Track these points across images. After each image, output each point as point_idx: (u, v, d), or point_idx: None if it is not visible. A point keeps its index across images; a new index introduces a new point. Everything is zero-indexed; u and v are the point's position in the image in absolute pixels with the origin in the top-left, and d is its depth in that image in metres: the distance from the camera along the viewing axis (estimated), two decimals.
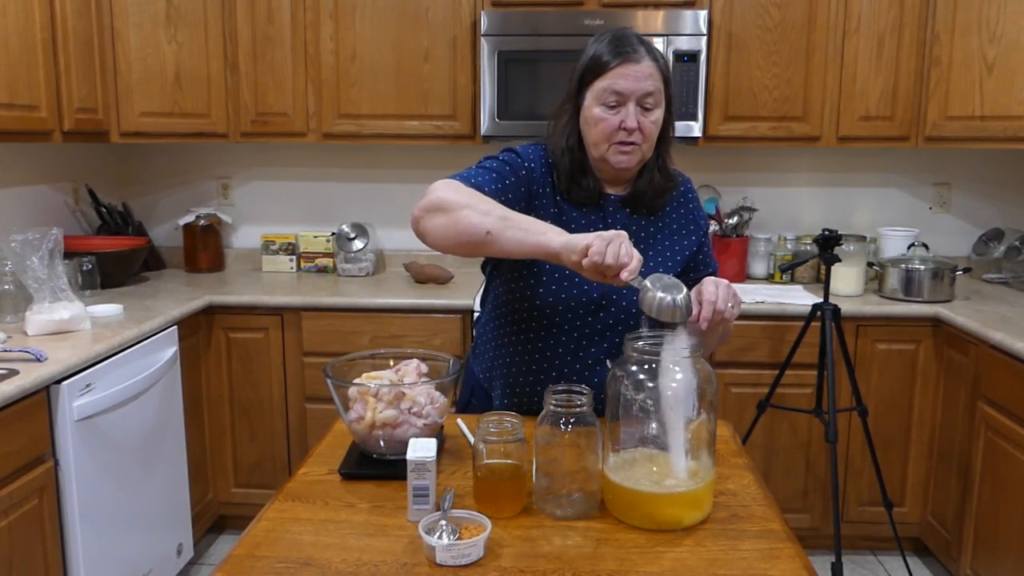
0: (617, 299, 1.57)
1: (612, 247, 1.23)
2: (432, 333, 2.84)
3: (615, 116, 1.51)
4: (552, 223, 1.51)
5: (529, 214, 1.44)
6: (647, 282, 1.28)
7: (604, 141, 1.53)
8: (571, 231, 1.53)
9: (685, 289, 1.30)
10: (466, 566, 1.09)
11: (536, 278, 1.57)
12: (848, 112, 2.95)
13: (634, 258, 1.23)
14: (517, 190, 1.53)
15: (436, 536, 1.11)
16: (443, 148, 3.39)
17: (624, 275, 1.23)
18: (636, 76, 1.49)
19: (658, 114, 1.53)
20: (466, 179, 1.46)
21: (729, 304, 1.38)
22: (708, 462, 1.24)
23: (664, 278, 1.30)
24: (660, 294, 1.26)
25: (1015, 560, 2.27)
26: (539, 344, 1.60)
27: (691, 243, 1.66)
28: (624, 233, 1.27)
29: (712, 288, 1.38)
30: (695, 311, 1.37)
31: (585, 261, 1.24)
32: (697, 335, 1.32)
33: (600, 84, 1.51)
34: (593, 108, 1.53)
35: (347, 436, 1.52)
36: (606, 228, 1.57)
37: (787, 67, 2.93)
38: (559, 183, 1.59)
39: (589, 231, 1.53)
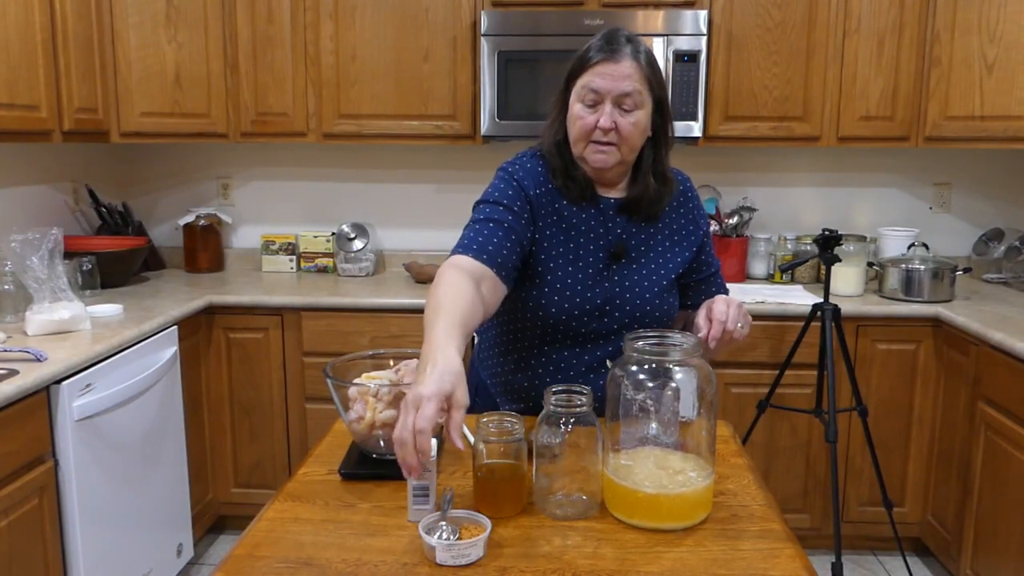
0: (620, 303, 1.57)
1: (405, 430, 1.06)
2: None
3: (592, 115, 1.50)
4: (552, 225, 1.56)
5: (534, 225, 1.53)
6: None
7: (582, 139, 1.53)
8: (571, 233, 1.58)
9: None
10: (466, 566, 1.09)
11: (548, 285, 1.55)
12: (848, 112, 2.94)
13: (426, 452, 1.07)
14: (519, 219, 1.51)
15: (436, 536, 1.11)
16: (443, 148, 3.39)
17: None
18: (614, 76, 1.47)
19: (638, 116, 1.50)
20: (468, 248, 1.44)
21: (739, 324, 1.44)
22: (708, 462, 1.24)
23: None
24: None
25: (1015, 560, 2.27)
26: (544, 348, 1.60)
27: (692, 244, 1.65)
28: (428, 426, 1.06)
29: (723, 307, 1.43)
30: (704, 329, 1.40)
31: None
32: (704, 351, 1.33)
33: (581, 81, 1.51)
34: (575, 105, 1.53)
35: (347, 436, 1.52)
36: (605, 231, 1.59)
37: (787, 67, 2.93)
38: (555, 180, 1.59)
39: (589, 236, 1.57)
